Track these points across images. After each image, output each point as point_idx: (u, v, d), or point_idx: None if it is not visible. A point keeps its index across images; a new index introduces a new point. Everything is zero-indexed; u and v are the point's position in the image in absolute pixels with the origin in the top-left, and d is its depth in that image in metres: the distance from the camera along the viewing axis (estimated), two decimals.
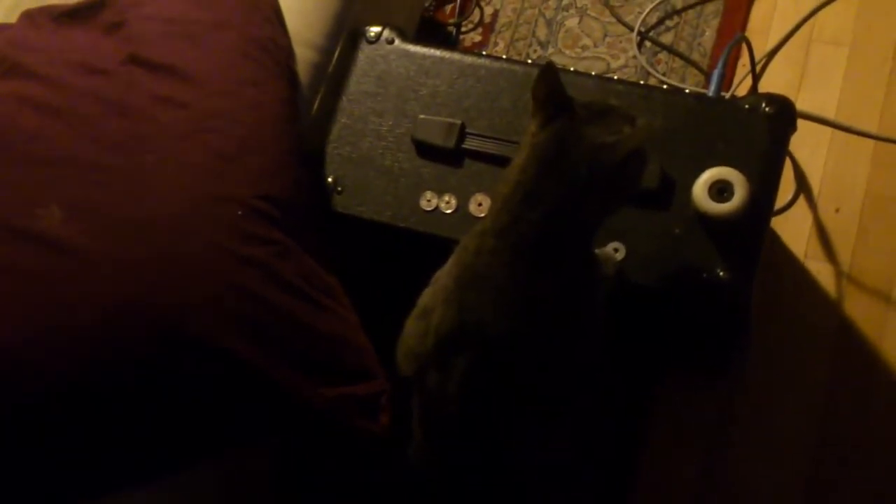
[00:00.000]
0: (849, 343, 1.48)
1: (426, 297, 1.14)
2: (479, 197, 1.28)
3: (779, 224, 1.53)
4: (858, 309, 1.50)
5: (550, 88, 1.06)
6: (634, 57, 1.74)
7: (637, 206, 1.22)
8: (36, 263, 1.10)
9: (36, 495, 1.07)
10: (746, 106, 1.27)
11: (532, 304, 1.07)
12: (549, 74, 1.06)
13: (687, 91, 1.63)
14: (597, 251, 1.22)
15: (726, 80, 1.59)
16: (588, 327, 1.12)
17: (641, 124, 1.05)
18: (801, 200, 1.58)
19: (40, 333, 1.06)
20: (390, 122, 1.35)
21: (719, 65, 1.45)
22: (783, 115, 1.27)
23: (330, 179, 1.32)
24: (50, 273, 1.10)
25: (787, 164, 1.34)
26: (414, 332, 1.13)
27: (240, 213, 1.14)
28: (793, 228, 1.56)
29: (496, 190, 1.10)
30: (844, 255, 1.54)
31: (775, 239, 1.54)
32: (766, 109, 1.26)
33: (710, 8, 1.76)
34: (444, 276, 1.13)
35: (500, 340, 1.07)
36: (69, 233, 1.11)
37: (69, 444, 1.06)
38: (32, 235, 1.11)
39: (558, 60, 1.76)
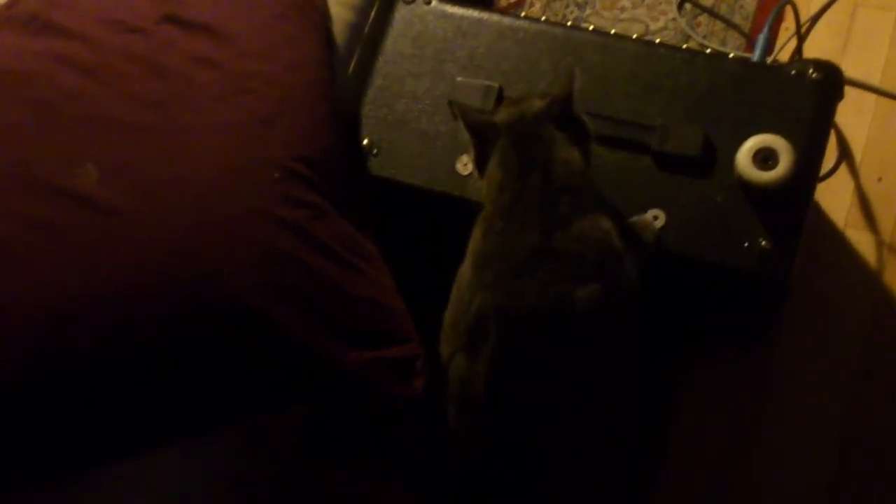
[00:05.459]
0: (888, 313, 1.46)
1: (454, 291, 1.16)
2: None
3: (819, 192, 1.49)
4: None
5: (474, 118, 1.17)
6: (674, 19, 1.71)
7: (678, 174, 1.20)
8: (73, 222, 1.10)
9: (74, 451, 1.08)
10: (793, 72, 1.24)
11: (547, 258, 1.08)
12: (464, 111, 1.17)
13: (731, 56, 1.60)
14: (636, 218, 1.20)
15: (769, 45, 1.56)
16: (615, 288, 1.11)
17: (564, 79, 1.16)
18: (843, 168, 1.55)
19: (75, 290, 1.06)
20: (427, 85, 1.33)
21: (765, 29, 1.42)
22: (830, 81, 1.24)
23: (366, 142, 1.31)
24: (86, 232, 1.09)
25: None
26: (449, 322, 1.16)
27: (277, 175, 1.13)
28: (833, 197, 1.53)
29: (484, 192, 1.16)
30: (886, 225, 1.52)
31: (815, 207, 1.52)
32: (813, 75, 1.23)
33: None
34: (465, 271, 1.15)
35: (521, 309, 1.08)
36: (105, 192, 1.11)
37: (102, 403, 1.06)
38: (70, 194, 1.11)
39: (596, 22, 1.73)
